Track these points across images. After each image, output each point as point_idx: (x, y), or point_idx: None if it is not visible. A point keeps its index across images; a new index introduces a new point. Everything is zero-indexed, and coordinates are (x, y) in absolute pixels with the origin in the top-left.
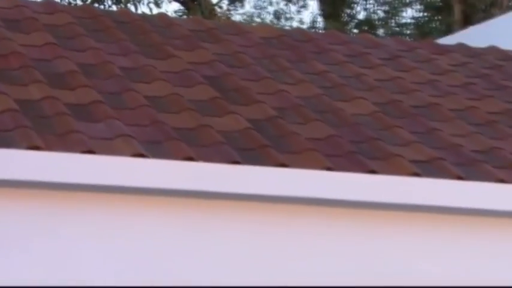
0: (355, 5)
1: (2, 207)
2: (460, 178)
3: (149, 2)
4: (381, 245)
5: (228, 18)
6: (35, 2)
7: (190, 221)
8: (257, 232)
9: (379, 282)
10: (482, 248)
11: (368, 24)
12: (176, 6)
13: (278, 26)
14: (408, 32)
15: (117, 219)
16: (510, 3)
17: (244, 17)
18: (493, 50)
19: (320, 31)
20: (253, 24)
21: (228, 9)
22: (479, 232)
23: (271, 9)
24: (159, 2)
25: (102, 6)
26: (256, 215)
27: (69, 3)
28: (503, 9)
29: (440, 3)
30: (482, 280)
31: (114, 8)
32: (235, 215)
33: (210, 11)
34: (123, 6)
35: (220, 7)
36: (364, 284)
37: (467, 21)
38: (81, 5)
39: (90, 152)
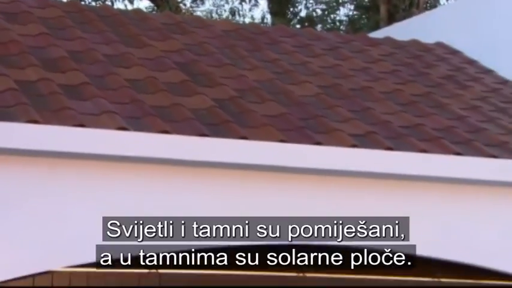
0: (298, 4)
1: (4, 172)
2: (390, 149)
3: None
4: (324, 205)
5: (191, 14)
6: None
7: (166, 184)
8: (222, 194)
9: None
10: (406, 208)
11: (308, 20)
12: (147, 3)
13: (234, 21)
14: (342, 27)
15: (104, 183)
16: (426, 5)
17: (204, 13)
18: (414, 43)
19: (268, 26)
20: (213, 19)
21: (191, 6)
22: (404, 194)
23: (227, 6)
24: None
25: (82, 2)
26: (221, 180)
27: None
28: (421, 9)
29: (369, 3)
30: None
31: (94, 4)
32: (203, 180)
33: (176, 8)
34: (101, 2)
35: (185, 5)
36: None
37: (391, 18)
38: (69, 1)
39: (81, 125)
